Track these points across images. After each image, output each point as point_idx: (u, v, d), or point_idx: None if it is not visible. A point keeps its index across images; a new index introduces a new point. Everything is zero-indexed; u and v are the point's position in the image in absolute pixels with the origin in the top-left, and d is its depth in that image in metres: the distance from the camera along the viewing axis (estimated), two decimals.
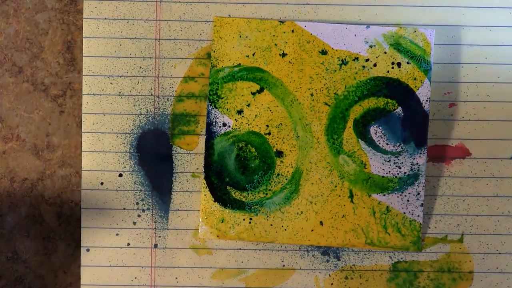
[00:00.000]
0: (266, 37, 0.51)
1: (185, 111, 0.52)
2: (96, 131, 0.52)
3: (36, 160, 0.53)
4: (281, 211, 0.51)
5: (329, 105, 0.51)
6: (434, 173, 0.52)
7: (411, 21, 0.52)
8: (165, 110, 0.52)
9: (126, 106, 0.52)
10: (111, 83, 0.52)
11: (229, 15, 0.52)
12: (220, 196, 0.51)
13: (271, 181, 0.51)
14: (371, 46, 0.51)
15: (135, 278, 0.52)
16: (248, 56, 0.51)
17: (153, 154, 0.52)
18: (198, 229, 0.52)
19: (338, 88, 0.51)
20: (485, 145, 0.52)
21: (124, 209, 0.52)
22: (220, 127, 0.51)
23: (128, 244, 0.52)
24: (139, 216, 0.52)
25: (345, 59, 0.51)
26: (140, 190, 0.52)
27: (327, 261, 0.52)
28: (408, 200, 0.51)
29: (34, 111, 0.53)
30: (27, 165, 0.53)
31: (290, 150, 0.51)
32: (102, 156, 0.52)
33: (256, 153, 0.51)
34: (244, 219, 0.51)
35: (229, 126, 0.51)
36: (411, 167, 0.51)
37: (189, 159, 0.52)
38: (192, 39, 0.52)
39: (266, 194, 0.51)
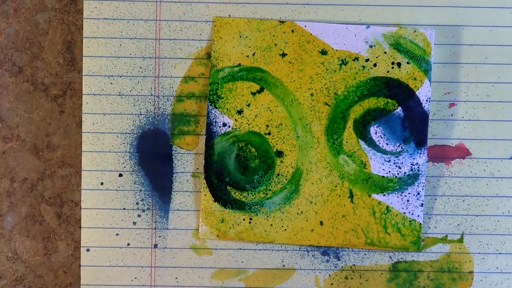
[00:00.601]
0: (266, 37, 0.51)
1: (185, 111, 0.52)
2: (96, 131, 0.52)
3: (36, 160, 0.53)
4: (281, 211, 0.51)
5: (329, 105, 0.51)
6: (434, 173, 0.52)
7: (411, 21, 0.52)
8: (165, 110, 0.52)
9: (126, 106, 0.52)
10: (111, 83, 0.52)
11: (229, 15, 0.52)
12: (220, 196, 0.51)
13: (271, 181, 0.51)
14: (371, 46, 0.51)
15: (135, 278, 0.52)
16: (248, 56, 0.51)
17: (153, 154, 0.52)
18: (198, 229, 0.52)
19: (338, 88, 0.51)
20: (485, 145, 0.52)
21: (124, 209, 0.52)
22: (220, 127, 0.51)
23: (128, 244, 0.52)
24: (139, 216, 0.52)
25: (345, 59, 0.51)
26: (140, 190, 0.52)
27: (327, 261, 0.52)
28: (408, 200, 0.51)
29: (34, 111, 0.53)
30: (27, 165, 0.53)
31: (290, 150, 0.51)
32: (102, 156, 0.52)
33: (256, 153, 0.51)
34: (244, 219, 0.51)
35: (229, 126, 0.51)
36: (411, 167, 0.51)
37: (189, 159, 0.52)
38: (192, 39, 0.52)
39: (266, 194, 0.51)
